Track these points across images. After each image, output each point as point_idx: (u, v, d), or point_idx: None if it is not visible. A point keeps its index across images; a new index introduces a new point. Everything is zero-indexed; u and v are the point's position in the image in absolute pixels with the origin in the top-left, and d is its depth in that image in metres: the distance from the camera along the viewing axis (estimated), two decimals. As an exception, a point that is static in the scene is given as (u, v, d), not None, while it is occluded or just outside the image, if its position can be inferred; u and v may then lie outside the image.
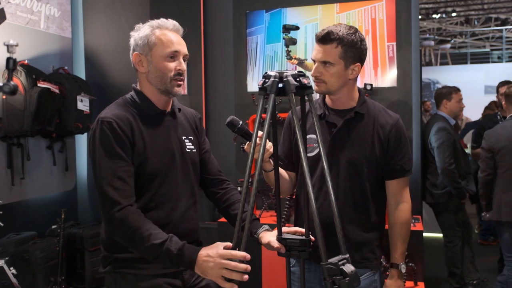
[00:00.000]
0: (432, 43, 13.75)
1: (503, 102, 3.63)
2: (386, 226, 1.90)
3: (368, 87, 3.49)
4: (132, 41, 1.64)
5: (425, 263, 3.59)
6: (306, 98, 1.42)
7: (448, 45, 14.26)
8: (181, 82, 1.62)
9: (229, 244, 1.39)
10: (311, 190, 1.26)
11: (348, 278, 1.20)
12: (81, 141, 4.16)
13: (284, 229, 1.56)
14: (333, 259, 1.23)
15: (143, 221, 1.49)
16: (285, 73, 1.34)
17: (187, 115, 1.79)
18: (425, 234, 3.49)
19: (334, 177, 1.76)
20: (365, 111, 1.81)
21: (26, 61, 3.33)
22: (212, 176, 1.81)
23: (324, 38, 1.70)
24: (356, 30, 1.74)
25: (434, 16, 12.57)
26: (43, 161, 3.63)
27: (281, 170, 1.83)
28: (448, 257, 3.90)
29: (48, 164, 3.67)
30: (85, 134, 3.96)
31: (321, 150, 1.33)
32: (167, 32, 1.61)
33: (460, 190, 3.69)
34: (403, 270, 1.83)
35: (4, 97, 3.11)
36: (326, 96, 1.85)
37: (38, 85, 3.25)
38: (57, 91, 3.41)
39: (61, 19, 3.87)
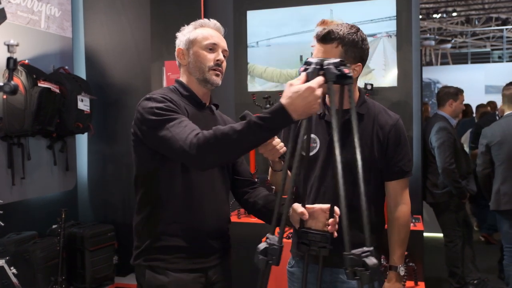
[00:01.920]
0: (433, 43, 13.74)
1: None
2: (386, 226, 1.89)
3: (369, 87, 3.49)
4: (177, 41, 1.76)
5: (425, 263, 3.60)
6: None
7: (449, 45, 14.25)
8: (219, 72, 1.71)
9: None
10: (341, 184, 1.27)
11: (369, 271, 1.19)
12: (82, 141, 4.16)
13: (308, 206, 1.54)
14: (357, 250, 1.21)
15: (215, 128, 1.45)
16: (326, 61, 1.32)
17: (223, 117, 1.88)
18: (425, 234, 3.49)
19: (333, 178, 1.75)
20: (365, 111, 1.79)
21: (26, 61, 3.33)
22: (244, 178, 1.84)
23: (325, 38, 1.68)
24: (357, 30, 1.71)
25: (434, 16, 12.57)
26: (44, 160, 3.63)
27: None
28: (448, 257, 3.90)
29: (49, 164, 3.67)
30: (86, 134, 3.96)
31: (337, 150, 1.33)
32: (208, 28, 1.73)
33: (461, 189, 3.70)
34: (402, 273, 1.81)
35: (4, 97, 3.11)
36: (327, 95, 1.85)
37: (39, 84, 3.25)
38: (57, 90, 3.41)
39: (61, 18, 3.87)
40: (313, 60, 1.33)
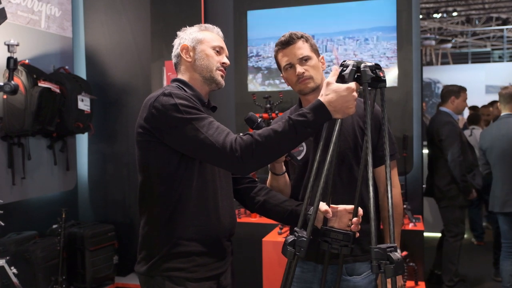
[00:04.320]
0: (433, 42, 13.73)
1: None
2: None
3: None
4: (177, 40, 1.74)
5: (426, 263, 3.60)
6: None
7: (449, 45, 14.24)
8: (223, 74, 1.71)
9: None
10: (371, 181, 1.33)
11: (393, 265, 1.24)
12: (82, 141, 4.17)
13: (332, 206, 1.57)
14: (382, 245, 1.27)
15: (253, 132, 1.45)
16: (362, 64, 1.39)
17: None
18: (425, 234, 3.49)
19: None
20: None
21: (26, 61, 3.33)
22: (243, 175, 1.82)
23: (292, 38, 1.78)
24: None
25: (435, 15, 12.55)
26: (44, 160, 3.63)
27: (285, 175, 1.82)
28: (446, 252, 3.95)
29: (49, 164, 3.67)
30: (86, 133, 3.96)
31: (369, 150, 1.37)
32: (213, 34, 1.74)
33: (466, 183, 3.80)
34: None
35: (5, 96, 3.11)
36: (302, 99, 1.87)
37: (39, 84, 3.26)
38: (57, 90, 3.41)
39: (61, 18, 3.87)
40: (350, 62, 1.41)
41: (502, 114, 3.63)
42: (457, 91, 4.06)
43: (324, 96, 1.39)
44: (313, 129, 1.41)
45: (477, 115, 5.71)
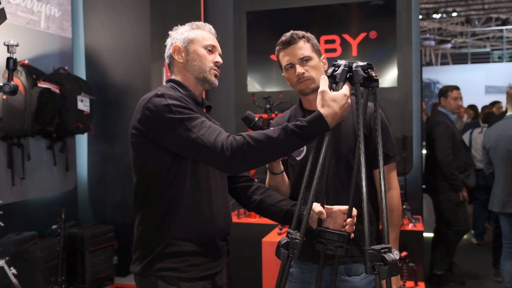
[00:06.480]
0: (433, 43, 13.75)
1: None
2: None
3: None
4: (169, 40, 1.74)
5: (425, 263, 3.60)
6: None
7: (449, 45, 14.25)
8: (217, 73, 1.70)
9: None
10: (364, 182, 1.31)
11: (388, 266, 1.24)
12: (82, 141, 4.16)
13: (327, 207, 1.56)
14: (376, 246, 1.26)
15: (247, 134, 1.44)
16: (354, 63, 1.38)
17: (212, 120, 1.82)
18: (425, 234, 3.49)
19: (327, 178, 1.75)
20: None
21: (26, 61, 3.33)
22: (241, 174, 1.81)
23: (293, 38, 1.78)
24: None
25: (434, 16, 12.56)
26: (44, 161, 3.63)
27: (283, 174, 1.82)
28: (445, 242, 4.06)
29: (49, 164, 3.67)
30: (86, 134, 3.96)
31: (362, 151, 1.35)
32: (204, 31, 1.73)
33: (457, 182, 3.85)
34: (397, 257, 1.82)
35: (4, 97, 3.11)
36: (302, 99, 1.87)
37: (39, 85, 3.26)
38: (57, 91, 3.41)
39: (61, 19, 3.87)
40: (342, 62, 1.40)
41: (508, 113, 3.58)
42: (444, 91, 4.16)
43: (325, 108, 1.36)
44: (308, 141, 1.40)
45: (492, 113, 5.72)
